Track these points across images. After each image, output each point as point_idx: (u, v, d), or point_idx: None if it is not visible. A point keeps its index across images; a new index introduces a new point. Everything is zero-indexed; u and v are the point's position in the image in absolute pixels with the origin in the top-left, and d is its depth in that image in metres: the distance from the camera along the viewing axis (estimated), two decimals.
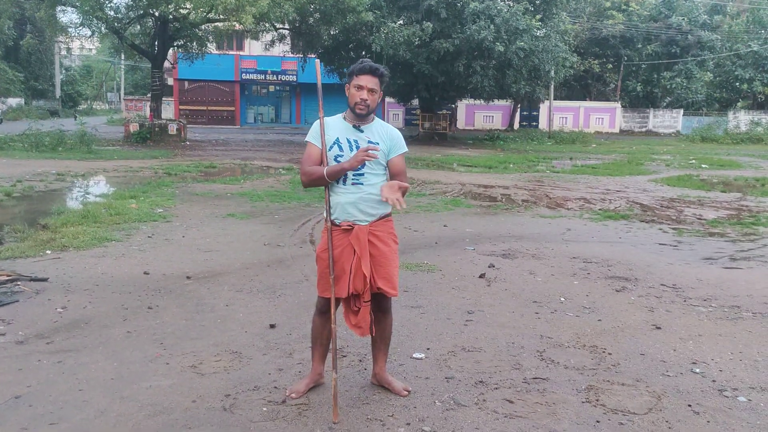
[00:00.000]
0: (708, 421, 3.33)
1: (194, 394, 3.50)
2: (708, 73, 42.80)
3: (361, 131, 3.37)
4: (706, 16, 41.39)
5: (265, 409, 3.35)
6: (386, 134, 3.42)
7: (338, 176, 3.31)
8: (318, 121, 3.39)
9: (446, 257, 6.88)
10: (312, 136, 3.40)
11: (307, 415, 3.29)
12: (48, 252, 6.60)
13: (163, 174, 14.13)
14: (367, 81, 3.31)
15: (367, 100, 3.31)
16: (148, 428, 3.13)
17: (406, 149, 3.47)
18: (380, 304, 3.50)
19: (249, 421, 3.21)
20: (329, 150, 3.35)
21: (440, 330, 4.60)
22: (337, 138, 3.36)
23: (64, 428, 3.12)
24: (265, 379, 3.72)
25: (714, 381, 3.83)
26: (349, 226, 3.35)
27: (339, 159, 3.33)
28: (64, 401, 3.39)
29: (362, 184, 3.35)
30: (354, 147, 3.33)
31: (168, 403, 3.39)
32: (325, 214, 3.41)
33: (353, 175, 3.34)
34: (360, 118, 3.37)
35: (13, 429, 3.10)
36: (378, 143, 3.35)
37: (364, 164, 3.31)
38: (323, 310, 3.50)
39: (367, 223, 3.36)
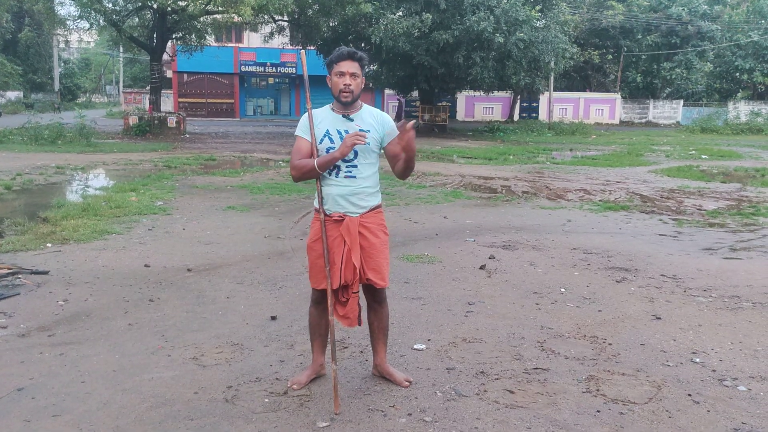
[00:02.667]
0: (708, 411, 3.34)
1: (196, 385, 3.52)
2: (708, 63, 42.74)
3: (351, 120, 3.32)
4: (706, 7, 41.27)
5: (266, 400, 3.36)
6: (377, 121, 3.36)
7: (329, 166, 3.27)
8: (306, 114, 3.35)
9: (447, 249, 6.88)
10: (301, 129, 3.36)
11: (308, 406, 3.31)
12: (48, 245, 6.61)
13: (163, 167, 14.12)
14: (348, 66, 3.26)
15: (350, 85, 3.25)
16: (150, 420, 3.14)
17: (398, 132, 3.37)
18: (375, 295, 3.49)
19: (251, 412, 3.23)
20: (320, 143, 3.30)
21: (441, 321, 4.61)
22: (327, 130, 3.31)
23: (66, 420, 3.13)
24: (266, 370, 3.73)
25: (714, 370, 3.84)
26: (340, 217, 3.33)
27: (330, 151, 3.27)
28: (66, 393, 3.40)
29: (355, 177, 3.31)
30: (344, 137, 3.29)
31: (170, 395, 3.40)
32: (316, 205, 3.39)
33: (346, 168, 3.30)
34: (346, 106, 3.32)
35: (15, 421, 3.11)
36: (369, 131, 3.31)
37: (356, 153, 3.27)
38: (318, 302, 3.49)
39: (357, 215, 3.34)
